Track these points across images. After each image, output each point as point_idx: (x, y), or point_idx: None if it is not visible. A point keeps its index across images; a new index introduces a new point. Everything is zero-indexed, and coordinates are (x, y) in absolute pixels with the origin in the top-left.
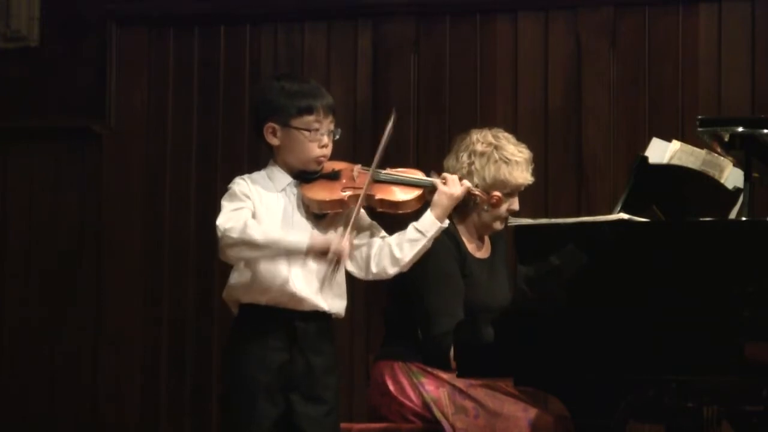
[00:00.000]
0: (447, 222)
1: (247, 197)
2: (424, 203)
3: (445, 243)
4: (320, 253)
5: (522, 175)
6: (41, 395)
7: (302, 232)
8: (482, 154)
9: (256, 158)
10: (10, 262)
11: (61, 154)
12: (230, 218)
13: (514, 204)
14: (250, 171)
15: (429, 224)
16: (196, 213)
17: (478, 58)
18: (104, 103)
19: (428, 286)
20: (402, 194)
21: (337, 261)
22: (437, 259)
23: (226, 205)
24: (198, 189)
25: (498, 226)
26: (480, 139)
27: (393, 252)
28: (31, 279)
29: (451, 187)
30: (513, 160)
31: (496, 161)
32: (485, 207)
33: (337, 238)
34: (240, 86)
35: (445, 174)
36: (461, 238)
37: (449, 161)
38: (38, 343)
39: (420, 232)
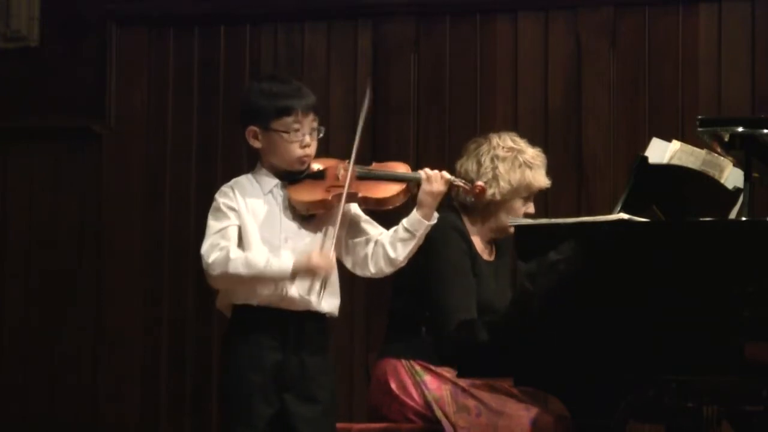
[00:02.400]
0: (435, 218)
1: (233, 209)
2: (410, 196)
3: (456, 239)
4: (307, 272)
5: (543, 179)
6: (41, 395)
7: (286, 258)
8: (504, 158)
9: (256, 158)
10: (10, 262)
11: (61, 154)
12: (214, 247)
13: (530, 207)
14: (249, 171)
15: (416, 223)
16: (196, 213)
17: (478, 58)
18: (104, 103)
19: (442, 283)
20: (385, 190)
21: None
22: (449, 254)
23: (210, 225)
24: (198, 189)
25: (512, 229)
26: (500, 143)
27: (387, 252)
28: (31, 279)
29: (433, 184)
30: (535, 164)
31: (520, 165)
32: (469, 197)
33: (318, 256)
34: (240, 86)
35: (425, 170)
36: (471, 239)
37: (468, 165)
38: (38, 343)
39: (409, 231)
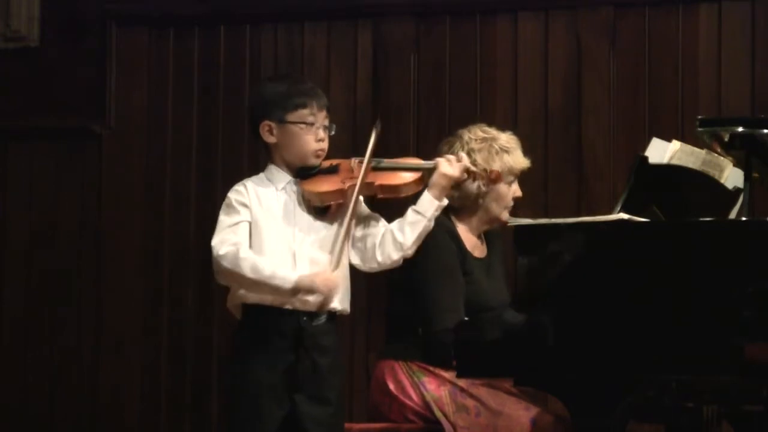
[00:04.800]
0: (446, 201)
1: (245, 206)
2: (424, 187)
3: (446, 240)
4: (308, 292)
5: (522, 159)
6: (41, 395)
7: (290, 272)
8: (480, 149)
9: (256, 158)
10: (10, 262)
11: (61, 154)
12: (225, 241)
13: (517, 191)
14: (250, 171)
15: (427, 204)
16: (196, 213)
17: (478, 58)
18: (104, 103)
19: (431, 282)
20: (400, 178)
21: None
22: (439, 255)
23: (222, 220)
24: (198, 189)
25: (505, 216)
26: (472, 136)
27: (395, 237)
28: (31, 279)
29: (450, 166)
30: (510, 148)
31: (497, 152)
32: (484, 184)
33: (323, 280)
34: (240, 86)
35: (445, 155)
36: (461, 237)
37: None
38: (38, 343)
39: (419, 213)
